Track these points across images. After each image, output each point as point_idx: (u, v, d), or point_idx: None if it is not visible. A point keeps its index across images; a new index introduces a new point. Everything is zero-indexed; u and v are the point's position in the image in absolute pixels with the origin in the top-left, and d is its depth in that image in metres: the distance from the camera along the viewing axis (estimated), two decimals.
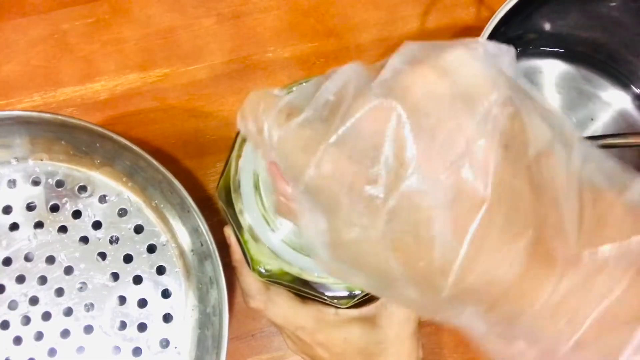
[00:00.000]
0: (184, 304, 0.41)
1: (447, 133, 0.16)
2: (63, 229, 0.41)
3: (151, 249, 0.41)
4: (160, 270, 0.41)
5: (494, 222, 0.16)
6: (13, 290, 0.40)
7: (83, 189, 0.42)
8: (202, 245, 0.39)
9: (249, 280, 0.35)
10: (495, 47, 0.18)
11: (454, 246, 0.16)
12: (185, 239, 0.42)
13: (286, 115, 0.19)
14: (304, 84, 0.30)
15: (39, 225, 0.41)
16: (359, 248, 0.18)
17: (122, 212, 0.42)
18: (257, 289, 0.35)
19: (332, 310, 0.34)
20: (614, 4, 0.42)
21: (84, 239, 0.41)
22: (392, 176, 0.16)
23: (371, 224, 0.17)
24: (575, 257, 0.16)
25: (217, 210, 0.46)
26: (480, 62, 0.17)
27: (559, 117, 0.18)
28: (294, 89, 0.30)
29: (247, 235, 0.30)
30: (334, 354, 0.34)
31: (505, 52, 0.18)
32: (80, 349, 0.40)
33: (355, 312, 0.34)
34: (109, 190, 0.42)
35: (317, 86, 0.19)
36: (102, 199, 0.42)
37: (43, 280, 0.40)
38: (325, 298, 0.30)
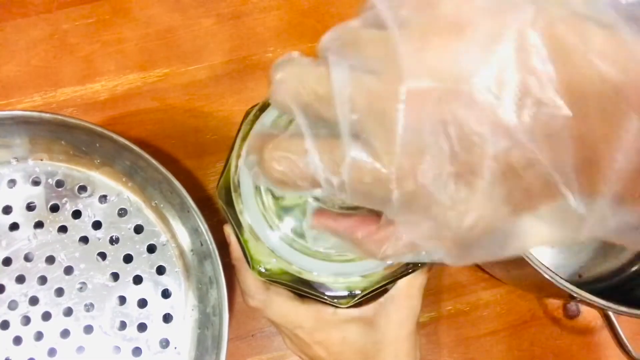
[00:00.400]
0: (184, 304, 0.41)
1: (498, 83, 0.15)
2: (63, 229, 0.41)
3: (151, 249, 0.41)
4: (160, 270, 0.41)
5: (589, 128, 0.15)
6: (13, 290, 0.40)
7: (83, 189, 0.42)
8: (202, 245, 0.39)
9: (248, 280, 0.35)
10: None
11: (567, 172, 0.16)
12: (185, 239, 0.42)
13: (329, 156, 0.18)
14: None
15: (39, 225, 0.41)
16: (477, 233, 0.17)
17: (122, 212, 0.42)
18: (257, 288, 0.35)
19: (330, 309, 0.34)
20: None
21: (84, 239, 0.41)
22: (475, 152, 0.16)
23: (479, 204, 0.16)
24: None
25: (217, 210, 0.46)
26: None
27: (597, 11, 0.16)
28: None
29: (247, 235, 0.30)
30: (333, 353, 0.34)
31: None
32: (80, 349, 0.40)
33: (354, 311, 0.34)
34: (108, 190, 0.42)
35: (300, 106, 0.18)
36: (102, 199, 0.42)
37: (43, 280, 0.40)
38: (325, 298, 0.30)
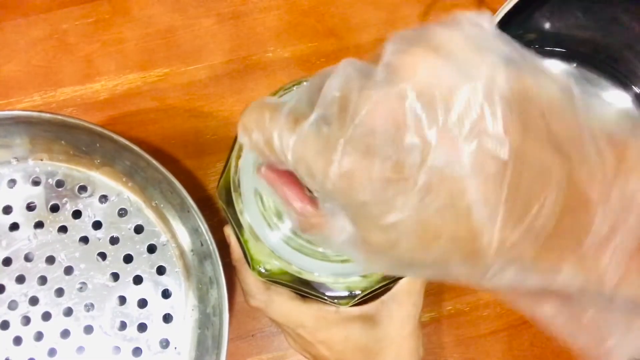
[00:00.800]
0: (184, 304, 0.41)
1: (457, 103, 0.16)
2: (63, 229, 0.41)
3: (151, 249, 0.41)
4: (160, 271, 0.41)
5: (522, 180, 0.16)
6: (13, 290, 0.40)
7: (83, 189, 0.42)
8: (202, 245, 0.39)
9: (249, 280, 0.35)
10: (474, 15, 0.18)
11: (490, 210, 0.16)
12: (185, 239, 0.42)
13: (294, 120, 0.19)
14: (304, 83, 0.30)
15: (39, 225, 0.41)
16: (394, 237, 0.18)
17: (122, 212, 0.42)
18: (258, 288, 0.35)
19: (332, 308, 0.34)
20: (614, 4, 0.42)
21: (84, 239, 0.41)
22: (417, 155, 0.16)
23: (405, 207, 0.17)
24: (608, 196, 0.16)
25: (217, 210, 0.46)
26: (469, 33, 0.17)
27: (553, 70, 0.18)
28: (294, 88, 0.30)
29: (247, 235, 0.30)
30: (335, 351, 0.35)
31: (485, 18, 0.18)
32: (80, 349, 0.40)
33: (356, 310, 0.34)
34: (109, 190, 0.42)
35: (312, 88, 0.19)
36: (102, 199, 0.42)
37: (43, 280, 0.40)
38: (326, 298, 0.30)
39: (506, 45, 0.18)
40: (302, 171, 0.19)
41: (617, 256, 0.17)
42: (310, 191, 0.21)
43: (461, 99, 0.16)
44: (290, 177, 0.22)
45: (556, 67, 0.18)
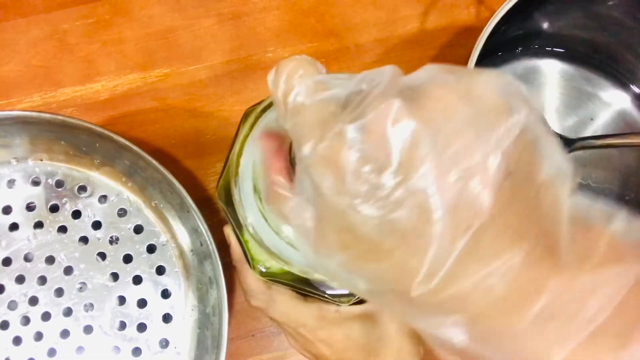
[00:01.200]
0: (184, 304, 0.41)
1: (461, 143, 0.16)
2: (63, 229, 0.41)
3: (151, 249, 0.41)
4: (160, 270, 0.41)
5: (492, 235, 0.16)
6: (13, 290, 0.40)
7: (83, 189, 0.42)
8: (201, 245, 0.39)
9: (250, 279, 0.35)
10: (525, 88, 0.18)
11: (448, 250, 0.16)
12: (184, 239, 0.42)
13: (319, 89, 0.19)
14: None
15: (38, 225, 0.41)
16: (348, 240, 0.18)
17: (122, 212, 0.42)
18: (259, 287, 0.35)
19: (333, 307, 0.34)
20: (614, 3, 0.42)
21: (84, 239, 0.41)
22: (403, 169, 0.16)
23: (370, 213, 0.17)
24: (568, 279, 0.17)
25: (216, 210, 0.46)
26: (502, 87, 0.18)
27: (563, 152, 0.18)
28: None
29: (247, 235, 0.30)
30: (336, 350, 0.35)
31: (534, 95, 0.19)
32: (80, 349, 0.40)
33: (356, 309, 0.34)
34: (108, 190, 0.42)
35: (350, 77, 0.19)
36: (102, 199, 0.42)
37: (43, 280, 0.40)
38: (327, 296, 0.30)
39: (534, 111, 0.18)
40: (295, 134, 0.19)
41: (558, 345, 0.17)
42: (292, 166, 0.22)
43: (466, 144, 0.16)
44: (280, 150, 0.22)
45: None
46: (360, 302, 0.32)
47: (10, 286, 0.40)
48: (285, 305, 0.34)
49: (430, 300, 0.17)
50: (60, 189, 0.42)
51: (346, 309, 0.34)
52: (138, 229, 0.41)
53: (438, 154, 0.16)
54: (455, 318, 0.17)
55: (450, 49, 0.49)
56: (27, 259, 0.41)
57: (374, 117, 0.17)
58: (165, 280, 0.41)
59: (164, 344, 0.40)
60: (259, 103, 0.31)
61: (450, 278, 0.17)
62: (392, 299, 0.18)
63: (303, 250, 0.20)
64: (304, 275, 0.30)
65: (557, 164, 0.18)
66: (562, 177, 0.18)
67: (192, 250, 0.41)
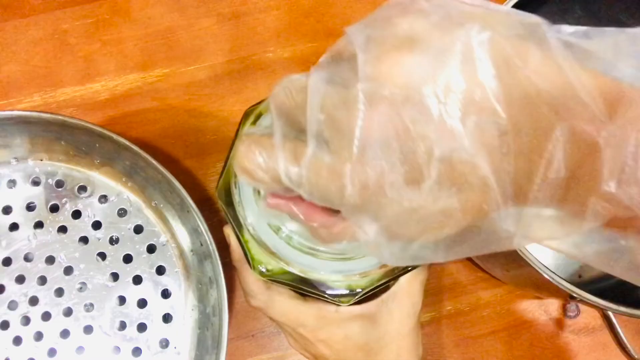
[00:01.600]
0: (184, 304, 0.41)
1: (445, 91, 0.17)
2: (63, 229, 0.41)
3: (151, 249, 0.41)
4: (160, 270, 0.41)
5: (525, 141, 0.17)
6: (13, 290, 0.40)
7: (83, 189, 0.42)
8: (201, 245, 0.39)
9: (250, 280, 0.35)
10: None
11: (504, 175, 0.17)
12: (185, 239, 0.42)
13: (291, 150, 0.19)
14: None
15: (38, 225, 0.41)
16: (422, 227, 0.18)
17: (122, 212, 0.42)
18: (258, 288, 0.35)
19: (332, 307, 0.34)
20: (614, 3, 0.42)
21: (84, 239, 0.41)
22: (423, 153, 0.17)
23: (427, 200, 0.17)
24: (612, 137, 0.17)
25: (216, 210, 0.46)
26: (431, 12, 0.18)
27: (526, 19, 0.18)
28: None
29: (247, 235, 0.30)
30: (335, 350, 0.35)
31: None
32: (80, 349, 0.40)
33: (355, 309, 0.34)
34: (108, 190, 0.42)
35: (287, 108, 0.20)
36: (102, 199, 0.42)
37: (43, 280, 0.40)
38: (327, 296, 0.30)
39: (473, 9, 0.18)
40: (318, 200, 0.19)
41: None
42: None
43: (446, 87, 0.17)
44: (298, 197, 0.22)
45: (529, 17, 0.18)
46: (360, 301, 0.32)
47: (11, 286, 0.40)
48: (285, 305, 0.35)
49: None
50: (60, 189, 0.42)
51: (346, 309, 0.34)
52: (138, 229, 0.41)
53: (437, 116, 0.17)
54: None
55: None
56: (27, 259, 0.41)
57: (364, 134, 0.17)
58: (166, 280, 0.41)
59: (164, 344, 0.40)
60: (259, 103, 0.31)
61: (521, 186, 0.17)
62: (481, 242, 0.19)
63: (378, 256, 0.21)
64: (304, 275, 0.30)
65: (530, 46, 0.17)
66: (545, 55, 0.17)
67: (192, 250, 0.41)
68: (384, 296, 0.34)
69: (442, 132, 0.17)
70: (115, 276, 0.41)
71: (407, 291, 0.35)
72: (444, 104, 0.17)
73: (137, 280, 0.41)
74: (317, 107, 0.18)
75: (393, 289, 0.34)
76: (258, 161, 0.20)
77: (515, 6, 0.38)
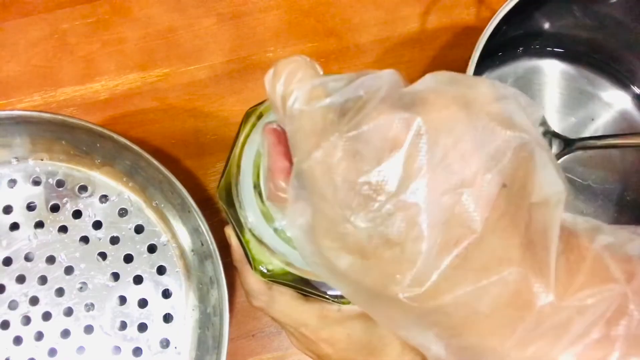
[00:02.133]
0: (185, 304, 0.41)
1: (458, 157, 0.16)
2: (63, 229, 0.41)
3: (151, 249, 0.41)
4: (161, 270, 0.41)
5: (482, 253, 0.16)
6: (13, 290, 0.40)
7: (83, 188, 0.42)
8: (202, 245, 0.39)
9: (251, 280, 0.35)
10: (526, 99, 0.18)
11: (433, 265, 0.16)
12: (185, 239, 0.42)
13: (316, 94, 0.19)
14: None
15: (39, 225, 0.41)
16: (341, 244, 0.18)
17: (123, 212, 0.42)
18: (260, 288, 0.35)
19: (335, 307, 0.34)
20: (614, 3, 0.42)
21: (85, 239, 0.41)
22: (397, 182, 0.16)
23: (360, 223, 0.17)
24: (555, 299, 0.17)
25: (217, 210, 0.46)
26: (505, 103, 0.18)
27: (559, 171, 0.18)
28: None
29: (248, 235, 0.30)
30: (338, 349, 0.35)
31: (535, 106, 0.19)
32: (81, 349, 0.40)
33: (357, 308, 0.34)
34: (109, 190, 0.42)
35: (349, 81, 0.19)
36: (103, 198, 0.42)
37: (43, 280, 0.40)
38: (328, 297, 0.30)
39: (535, 131, 0.18)
40: (292, 139, 0.19)
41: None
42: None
43: (463, 157, 0.16)
44: (282, 146, 0.22)
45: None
46: None
47: (11, 286, 0.40)
48: (287, 305, 0.35)
49: (414, 310, 0.17)
50: (60, 189, 0.42)
51: (348, 308, 0.34)
52: (139, 229, 0.41)
53: (433, 168, 0.16)
54: (436, 331, 0.17)
55: (451, 49, 0.49)
56: (27, 258, 0.41)
57: (371, 129, 0.17)
58: (166, 280, 0.41)
59: (165, 344, 0.40)
60: (261, 103, 0.31)
61: (435, 291, 0.17)
62: (377, 304, 0.18)
63: (298, 249, 0.20)
64: (305, 276, 0.30)
65: (552, 183, 0.18)
66: (556, 197, 0.18)
67: (192, 250, 0.41)
68: None
69: (430, 181, 0.16)
70: (115, 276, 0.41)
71: None
72: (449, 163, 0.17)
73: (138, 280, 0.41)
74: (368, 85, 0.18)
75: None
76: (290, 74, 0.19)
77: (516, 7, 0.38)
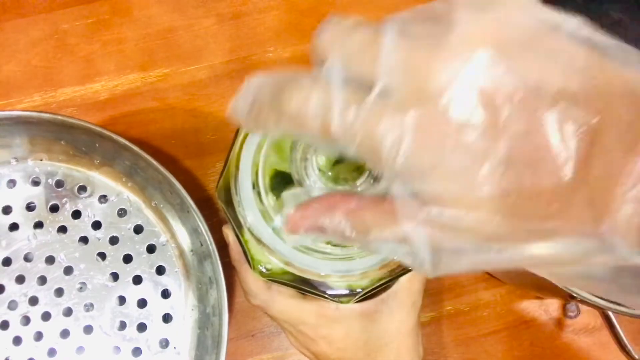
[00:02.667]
0: (184, 304, 0.41)
1: (540, 70, 0.15)
2: (63, 229, 0.41)
3: (151, 249, 0.41)
4: (160, 270, 0.41)
5: (606, 141, 0.15)
6: (13, 290, 0.40)
7: (83, 189, 0.42)
8: (201, 245, 0.39)
9: (249, 279, 0.35)
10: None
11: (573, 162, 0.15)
12: (184, 239, 0.42)
13: (349, 96, 0.17)
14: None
15: (38, 225, 0.41)
16: (487, 203, 0.16)
17: (122, 212, 0.42)
18: (258, 287, 0.35)
19: (333, 305, 0.34)
20: (614, 3, 0.42)
21: (84, 239, 0.41)
22: (504, 118, 0.15)
23: (491, 176, 0.15)
24: None
25: (216, 210, 0.46)
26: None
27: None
28: None
29: (247, 235, 0.30)
30: (336, 348, 0.35)
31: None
32: (80, 349, 0.40)
33: (356, 307, 0.34)
34: (108, 190, 0.42)
35: (334, 52, 0.17)
36: (102, 199, 0.42)
37: (43, 280, 0.40)
38: (327, 296, 0.30)
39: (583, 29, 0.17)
40: (365, 153, 0.17)
41: None
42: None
43: (544, 68, 0.15)
44: (317, 204, 0.20)
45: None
46: (361, 301, 0.32)
47: (11, 286, 0.40)
48: (285, 303, 0.35)
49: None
50: (60, 189, 0.42)
51: (346, 306, 0.34)
52: (138, 229, 0.41)
53: (524, 92, 0.15)
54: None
55: None
56: (27, 259, 0.41)
57: (448, 88, 0.15)
58: (165, 280, 0.41)
59: (164, 344, 0.40)
60: None
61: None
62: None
63: (419, 245, 0.17)
64: (304, 275, 0.30)
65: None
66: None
67: (192, 250, 0.41)
68: (384, 295, 0.34)
69: (527, 115, 0.15)
70: (115, 276, 0.41)
71: (408, 290, 0.35)
72: (535, 81, 0.15)
73: (137, 280, 0.41)
74: (398, 47, 0.16)
75: (393, 288, 0.34)
76: (311, 101, 0.17)
77: None
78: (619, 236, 0.15)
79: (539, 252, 0.16)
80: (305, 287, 0.30)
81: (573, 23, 0.17)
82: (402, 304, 0.34)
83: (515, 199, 0.16)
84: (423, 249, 0.17)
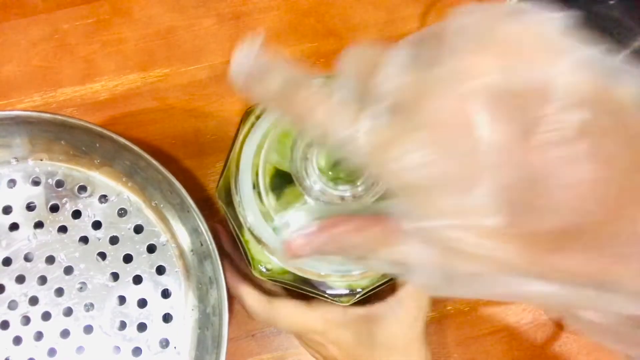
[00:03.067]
0: (184, 304, 0.41)
1: (530, 108, 0.15)
2: (63, 229, 0.41)
3: (151, 249, 0.41)
4: (160, 270, 0.41)
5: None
6: (13, 290, 0.40)
7: (83, 189, 0.42)
8: (201, 245, 0.39)
9: (250, 301, 0.36)
10: (539, 10, 0.17)
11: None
12: (185, 239, 0.42)
13: (354, 110, 0.18)
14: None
15: (38, 225, 0.41)
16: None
17: (122, 212, 0.42)
18: (260, 303, 0.35)
19: (339, 309, 0.34)
20: (614, 3, 0.42)
21: (84, 239, 0.41)
22: (490, 154, 0.15)
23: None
24: None
25: (217, 210, 0.46)
26: (538, 30, 0.16)
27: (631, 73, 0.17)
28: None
29: (247, 235, 0.30)
30: (344, 351, 0.35)
31: (555, 15, 0.17)
32: (80, 349, 0.40)
33: (361, 310, 0.34)
34: (108, 190, 0.42)
35: (355, 75, 0.18)
36: (102, 199, 0.42)
37: (43, 280, 0.40)
38: (327, 296, 0.30)
39: (579, 45, 0.17)
40: (374, 162, 0.17)
41: None
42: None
43: (535, 104, 0.15)
44: (321, 227, 0.20)
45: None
46: (361, 301, 0.32)
47: (11, 286, 0.40)
48: (290, 315, 0.35)
49: None
50: (60, 189, 0.42)
51: (352, 310, 0.34)
52: (138, 229, 0.41)
53: (515, 126, 0.15)
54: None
55: None
56: (27, 258, 0.41)
57: (437, 114, 0.16)
58: (166, 280, 0.41)
59: (164, 344, 0.40)
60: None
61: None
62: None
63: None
64: (304, 275, 0.30)
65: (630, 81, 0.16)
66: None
67: (192, 250, 0.41)
68: (391, 299, 0.34)
69: (511, 144, 0.15)
70: (115, 276, 0.41)
71: (414, 295, 0.35)
72: (527, 118, 0.15)
73: (137, 280, 0.41)
74: (394, 73, 0.17)
75: (400, 293, 0.34)
76: (312, 113, 0.18)
77: None
78: None
79: (549, 290, 0.16)
80: (305, 287, 0.30)
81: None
82: (409, 308, 0.35)
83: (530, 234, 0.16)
84: (430, 271, 0.18)
